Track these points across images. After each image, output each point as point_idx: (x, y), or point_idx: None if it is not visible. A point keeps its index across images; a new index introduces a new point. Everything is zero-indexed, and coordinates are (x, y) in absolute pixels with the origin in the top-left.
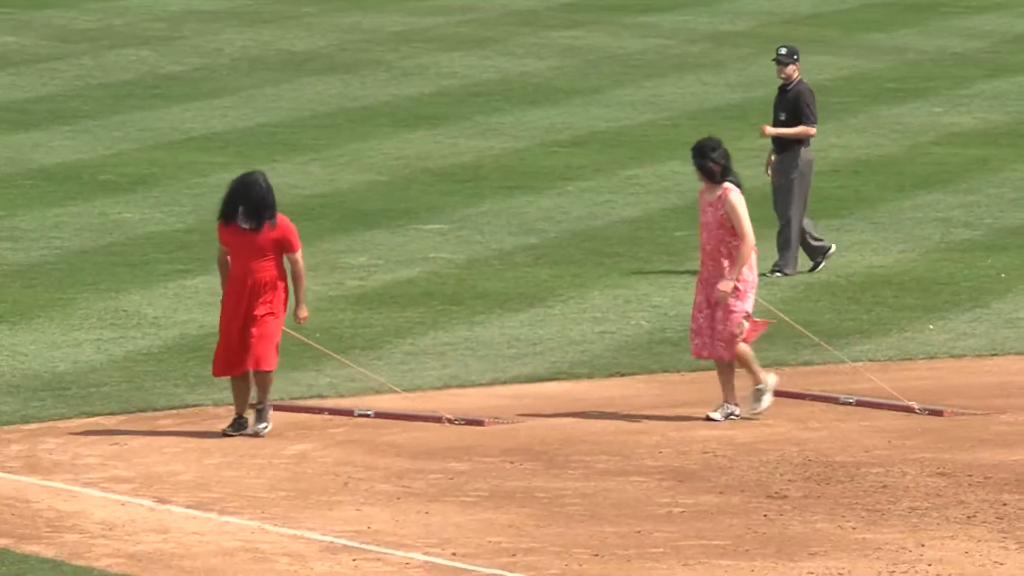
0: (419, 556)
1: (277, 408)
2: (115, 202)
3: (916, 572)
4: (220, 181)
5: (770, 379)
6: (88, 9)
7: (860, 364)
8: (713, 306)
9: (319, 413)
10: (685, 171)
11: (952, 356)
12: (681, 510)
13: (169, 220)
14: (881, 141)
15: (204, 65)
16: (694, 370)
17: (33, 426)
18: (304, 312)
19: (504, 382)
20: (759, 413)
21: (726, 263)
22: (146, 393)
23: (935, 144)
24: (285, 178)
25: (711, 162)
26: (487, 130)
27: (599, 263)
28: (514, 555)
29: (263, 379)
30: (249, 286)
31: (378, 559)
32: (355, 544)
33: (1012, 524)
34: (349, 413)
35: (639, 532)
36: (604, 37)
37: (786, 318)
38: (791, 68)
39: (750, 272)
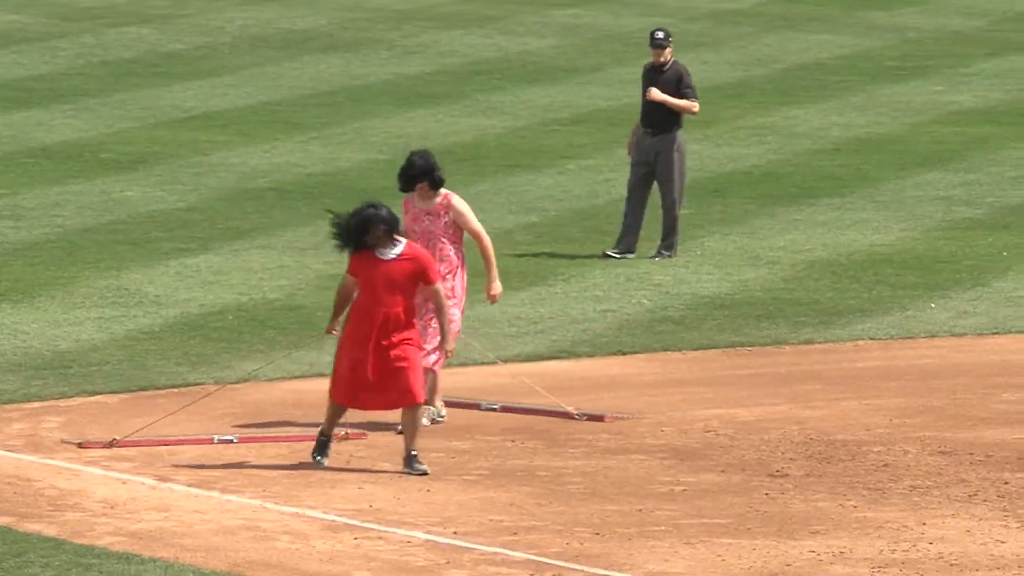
0: (420, 535)
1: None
2: (116, 180)
3: (917, 550)
4: (221, 160)
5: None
6: None
7: (861, 342)
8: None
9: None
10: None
11: (953, 334)
12: (683, 488)
13: (170, 199)
14: (882, 120)
15: (205, 43)
16: (696, 348)
17: (35, 404)
18: (451, 345)
19: (505, 361)
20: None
21: (442, 268)
22: (147, 372)
23: (936, 123)
24: (286, 157)
25: (439, 171)
26: (487, 108)
27: (599, 241)
28: (515, 533)
29: (413, 418)
30: (381, 319)
31: (380, 537)
32: (356, 523)
33: (1014, 502)
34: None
35: (640, 510)
36: (604, 16)
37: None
38: (668, 51)
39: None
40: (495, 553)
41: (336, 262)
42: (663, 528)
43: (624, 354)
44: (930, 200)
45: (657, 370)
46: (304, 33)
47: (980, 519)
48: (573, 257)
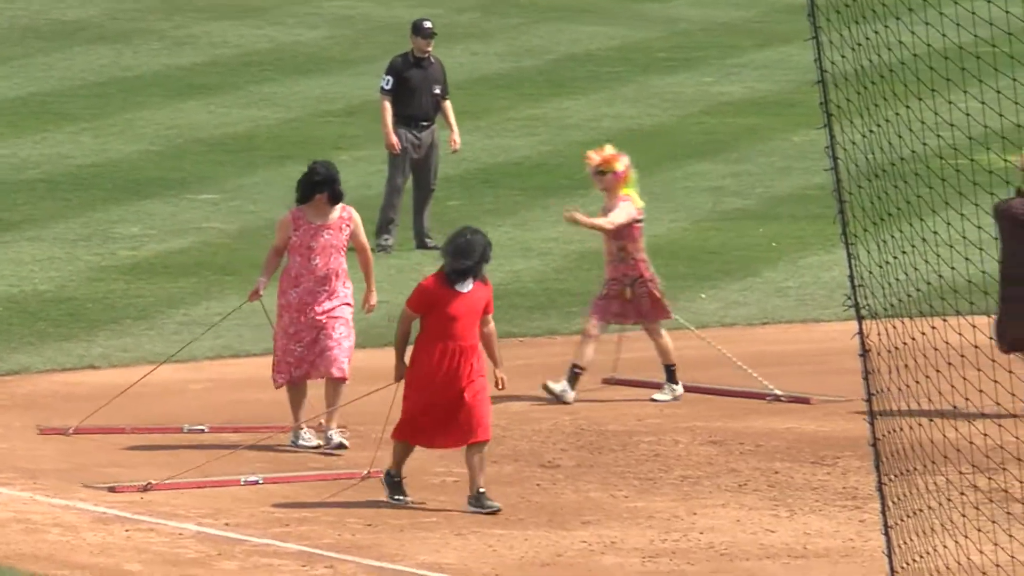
0: (192, 526)
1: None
2: None
3: (688, 540)
4: None
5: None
6: None
7: (627, 333)
8: (321, 327)
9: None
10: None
11: (723, 325)
12: (454, 480)
13: None
14: (652, 111)
15: None
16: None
17: None
18: (500, 373)
19: None
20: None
21: (338, 282)
22: None
23: (706, 113)
24: (57, 148)
25: (339, 185)
26: (260, 100)
27: (372, 232)
28: (287, 525)
29: (482, 454)
30: (458, 355)
31: (151, 529)
32: (128, 515)
33: (783, 492)
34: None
35: (412, 502)
36: (376, 7)
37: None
38: (433, 42)
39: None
40: (267, 545)
41: (107, 254)
42: (435, 520)
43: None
44: (700, 191)
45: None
46: (74, 24)
47: (750, 508)
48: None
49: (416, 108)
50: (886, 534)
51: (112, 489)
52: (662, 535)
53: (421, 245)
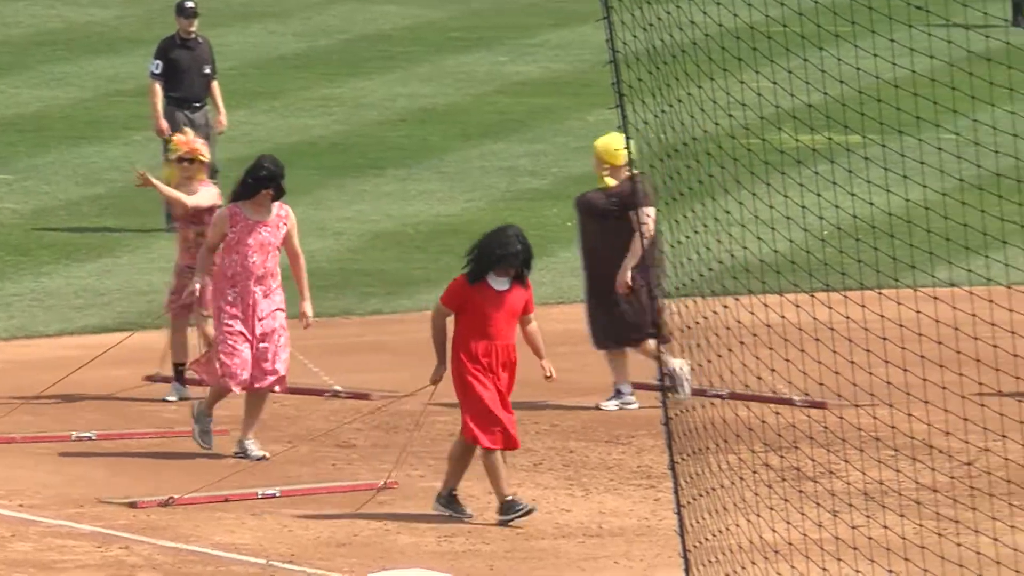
0: None
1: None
2: None
3: (484, 519)
4: None
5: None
6: None
7: (428, 312)
8: (266, 334)
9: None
10: (254, 121)
11: None
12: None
13: None
14: (446, 90)
15: None
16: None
17: None
18: (547, 364)
19: (71, 333)
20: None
21: (276, 283)
22: None
23: (500, 93)
24: None
25: (284, 180)
26: (51, 80)
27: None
28: (82, 506)
29: (504, 461)
30: (503, 354)
31: None
32: None
33: (578, 471)
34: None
35: (209, 483)
36: None
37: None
38: (197, 21)
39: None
40: (60, 526)
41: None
42: (231, 501)
43: (192, 326)
44: (495, 170)
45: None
46: None
47: (546, 488)
48: (139, 229)
49: (187, 89)
50: (679, 513)
51: (133, 505)
52: (455, 514)
53: None
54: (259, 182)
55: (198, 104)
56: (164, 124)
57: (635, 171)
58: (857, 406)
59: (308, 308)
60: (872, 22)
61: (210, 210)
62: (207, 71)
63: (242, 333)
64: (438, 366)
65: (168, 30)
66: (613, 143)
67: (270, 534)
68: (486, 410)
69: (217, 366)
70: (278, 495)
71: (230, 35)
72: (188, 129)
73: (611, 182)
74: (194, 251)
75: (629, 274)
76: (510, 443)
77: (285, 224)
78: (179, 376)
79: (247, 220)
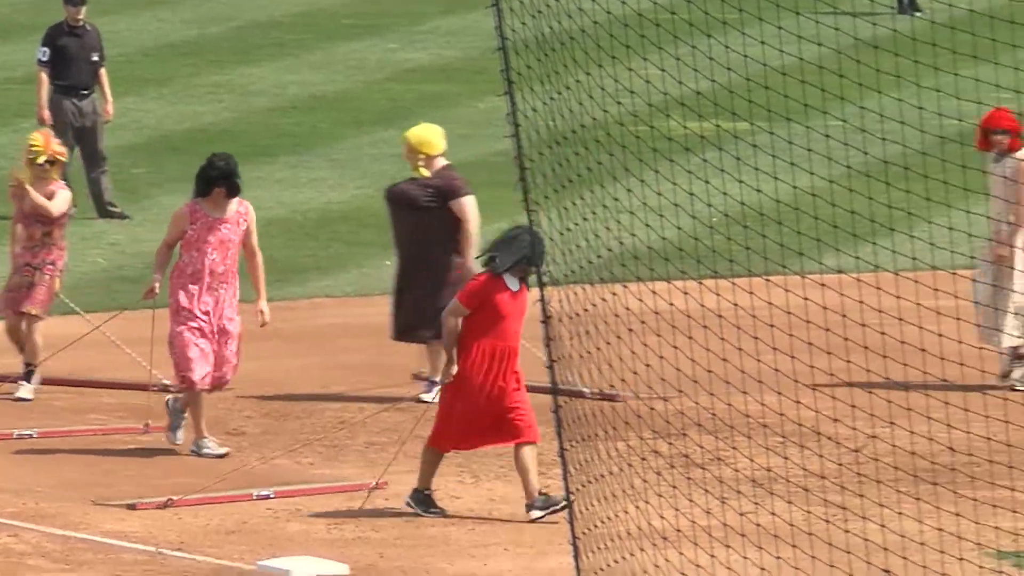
0: None
1: None
2: None
3: (373, 506)
4: None
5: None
6: None
7: (318, 300)
8: (226, 336)
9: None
10: (144, 108)
11: None
12: (141, 448)
13: None
14: (337, 77)
15: None
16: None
17: None
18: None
19: None
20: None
21: (234, 282)
22: None
23: (391, 80)
24: None
25: (238, 178)
26: None
27: None
28: None
29: (532, 457)
30: (507, 356)
31: None
32: None
33: (468, 458)
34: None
35: (102, 471)
36: None
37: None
38: (85, 9)
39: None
40: None
41: None
42: (121, 488)
43: (89, 312)
44: (386, 157)
45: (118, 328)
46: None
47: (438, 475)
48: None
49: (75, 77)
50: (568, 500)
51: (132, 507)
52: (347, 502)
53: (105, 214)
54: (210, 181)
55: (86, 92)
56: (46, 113)
57: (448, 161)
58: (639, 398)
59: (265, 306)
60: (760, 9)
61: (66, 212)
62: (95, 59)
63: (200, 330)
64: (449, 365)
65: (58, 16)
66: (427, 133)
67: (159, 522)
68: (462, 418)
69: (174, 364)
70: (272, 496)
71: (120, 22)
72: (47, 129)
73: (425, 172)
74: (38, 250)
75: (472, 264)
76: (492, 441)
77: (245, 220)
78: (28, 375)
79: (207, 217)
